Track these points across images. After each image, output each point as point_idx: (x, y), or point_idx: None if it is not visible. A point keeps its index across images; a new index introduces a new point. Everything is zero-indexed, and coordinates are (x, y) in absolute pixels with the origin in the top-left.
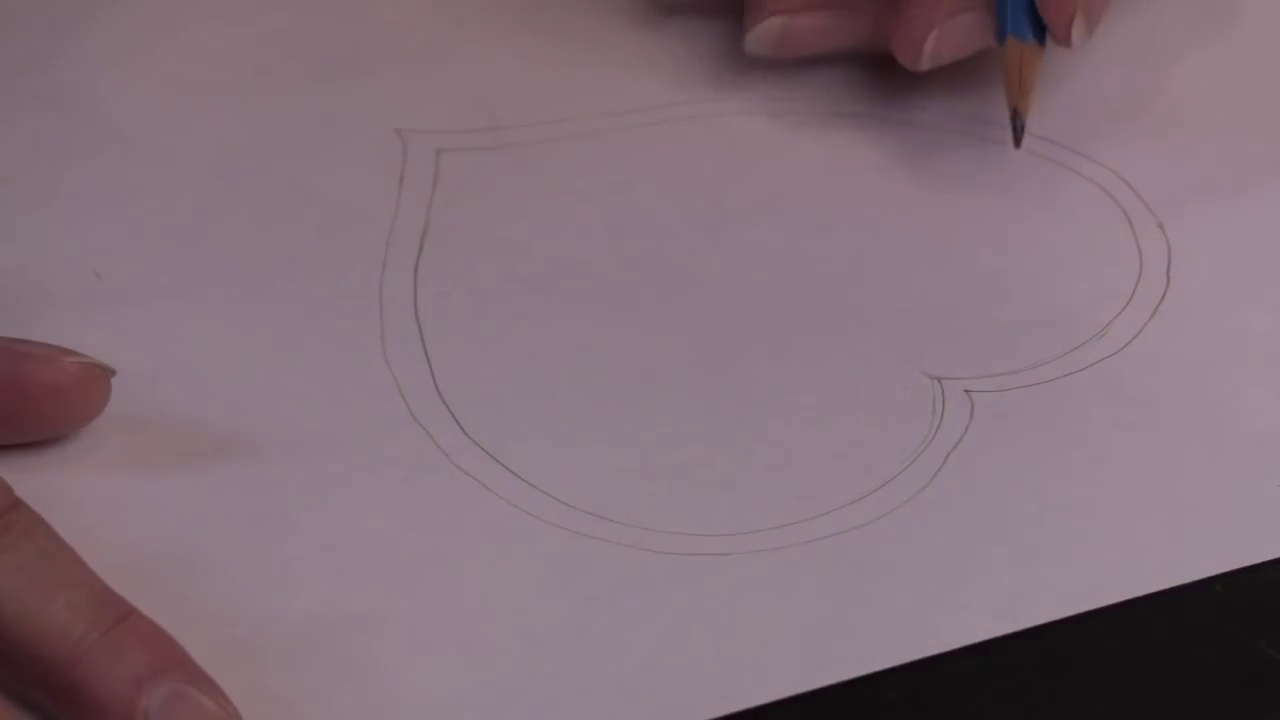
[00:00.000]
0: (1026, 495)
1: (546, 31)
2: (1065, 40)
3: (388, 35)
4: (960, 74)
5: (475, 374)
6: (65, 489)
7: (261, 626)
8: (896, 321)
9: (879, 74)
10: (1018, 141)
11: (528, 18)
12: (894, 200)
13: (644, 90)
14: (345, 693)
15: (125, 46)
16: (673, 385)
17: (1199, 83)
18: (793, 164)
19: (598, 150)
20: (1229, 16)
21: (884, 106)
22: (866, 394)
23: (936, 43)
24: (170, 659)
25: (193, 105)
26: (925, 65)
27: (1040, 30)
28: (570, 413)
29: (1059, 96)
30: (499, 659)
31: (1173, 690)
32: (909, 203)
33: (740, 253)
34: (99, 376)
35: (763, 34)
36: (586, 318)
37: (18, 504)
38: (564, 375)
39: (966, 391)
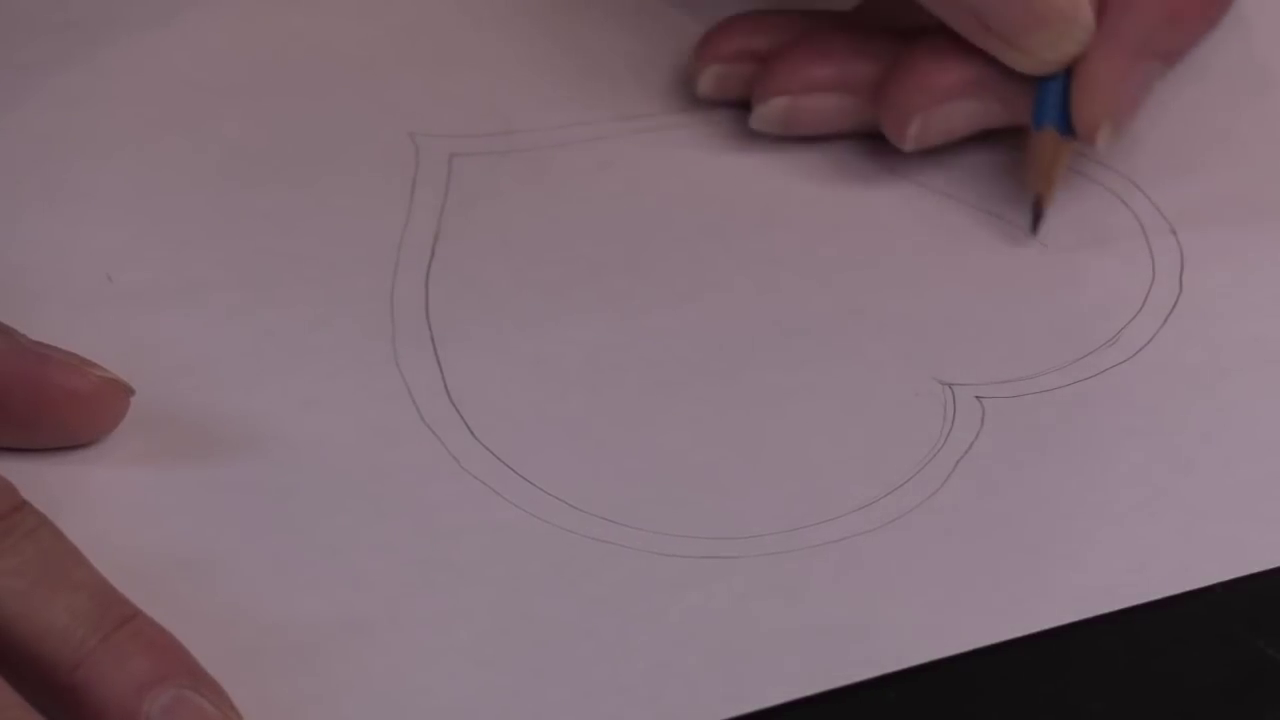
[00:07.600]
0: (1037, 501)
1: (560, 36)
2: (1090, 142)
3: (402, 39)
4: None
5: (486, 378)
6: (75, 492)
7: (269, 631)
8: (908, 327)
9: None
10: (1035, 227)
11: (542, 22)
12: (905, 205)
13: (656, 96)
14: (353, 698)
15: (137, 48)
16: (683, 389)
17: (1213, 89)
18: (804, 169)
19: (610, 155)
20: (1241, 24)
21: None
22: (877, 399)
23: (921, 128)
24: (174, 663)
25: (205, 107)
26: (911, 148)
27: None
28: (580, 417)
29: None
30: (507, 663)
31: (1173, 690)
32: (920, 208)
33: (751, 257)
34: (119, 390)
35: (768, 113)
36: (597, 322)
37: (22, 505)
38: (574, 380)
39: (978, 398)
